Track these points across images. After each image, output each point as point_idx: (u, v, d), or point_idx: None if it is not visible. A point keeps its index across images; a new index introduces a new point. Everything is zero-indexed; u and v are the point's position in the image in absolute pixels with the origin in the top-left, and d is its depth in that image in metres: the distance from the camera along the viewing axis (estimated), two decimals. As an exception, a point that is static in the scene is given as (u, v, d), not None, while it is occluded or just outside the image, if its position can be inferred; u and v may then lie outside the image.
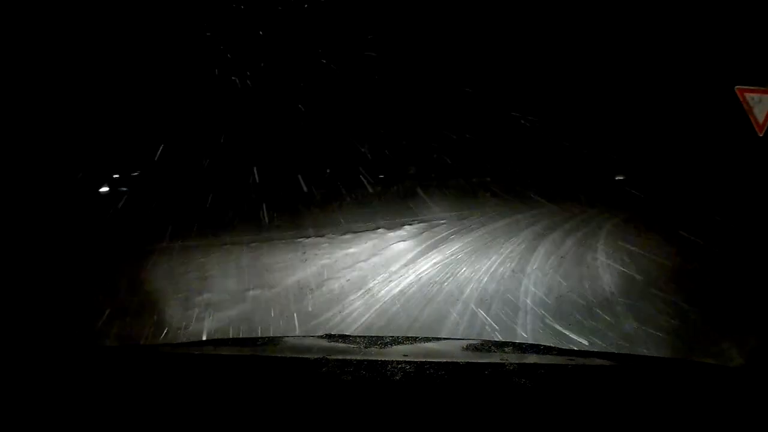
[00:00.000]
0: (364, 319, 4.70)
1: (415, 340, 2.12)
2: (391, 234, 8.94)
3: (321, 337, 2.29)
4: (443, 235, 9.07)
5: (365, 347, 1.86)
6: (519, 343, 2.62)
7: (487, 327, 4.31)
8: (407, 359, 1.41)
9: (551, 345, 2.96)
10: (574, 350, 2.62)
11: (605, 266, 6.26)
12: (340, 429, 1.05)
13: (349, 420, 1.07)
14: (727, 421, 1.09)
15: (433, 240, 8.58)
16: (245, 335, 4.17)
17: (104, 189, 15.50)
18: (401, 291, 5.74)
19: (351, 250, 7.69)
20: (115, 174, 16.04)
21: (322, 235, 8.73)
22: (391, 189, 16.57)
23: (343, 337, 2.21)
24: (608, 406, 1.16)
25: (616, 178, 19.15)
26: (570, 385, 1.33)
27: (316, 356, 1.47)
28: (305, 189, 11.12)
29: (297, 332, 4.24)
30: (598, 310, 4.58)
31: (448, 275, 6.28)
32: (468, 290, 5.57)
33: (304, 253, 7.53)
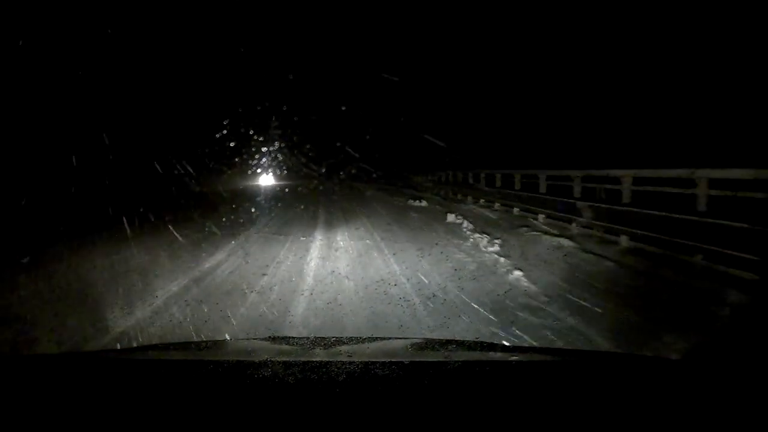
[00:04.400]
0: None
1: (359, 340, 2.14)
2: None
3: (265, 339, 2.27)
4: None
5: (309, 349, 1.88)
6: (462, 340, 2.69)
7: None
8: (352, 359, 1.42)
9: (494, 342, 3.05)
10: (516, 347, 2.70)
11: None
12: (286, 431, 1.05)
13: (294, 422, 1.06)
14: (671, 412, 1.11)
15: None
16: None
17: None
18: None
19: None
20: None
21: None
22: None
23: (287, 339, 2.19)
24: (554, 401, 1.18)
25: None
26: (515, 382, 1.35)
27: (260, 359, 1.48)
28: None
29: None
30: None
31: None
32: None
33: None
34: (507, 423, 1.07)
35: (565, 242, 7.81)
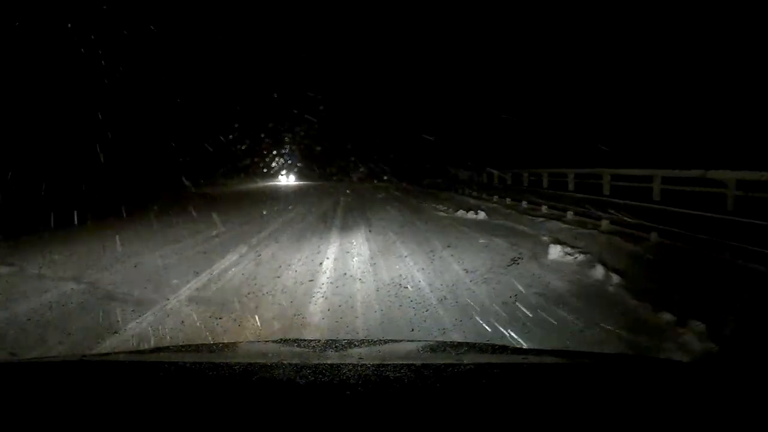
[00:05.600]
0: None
1: (370, 342, 2.10)
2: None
3: (276, 341, 2.37)
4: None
5: (321, 351, 1.86)
6: (473, 343, 2.62)
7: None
8: (363, 362, 1.41)
9: (505, 344, 3.00)
10: (528, 349, 2.55)
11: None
12: None
13: (306, 424, 1.04)
14: (682, 415, 1.08)
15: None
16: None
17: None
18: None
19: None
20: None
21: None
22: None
23: (298, 341, 2.27)
24: (566, 403, 1.15)
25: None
26: (527, 384, 1.32)
27: (272, 361, 1.51)
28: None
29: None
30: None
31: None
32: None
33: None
34: (520, 425, 1.05)
35: None
